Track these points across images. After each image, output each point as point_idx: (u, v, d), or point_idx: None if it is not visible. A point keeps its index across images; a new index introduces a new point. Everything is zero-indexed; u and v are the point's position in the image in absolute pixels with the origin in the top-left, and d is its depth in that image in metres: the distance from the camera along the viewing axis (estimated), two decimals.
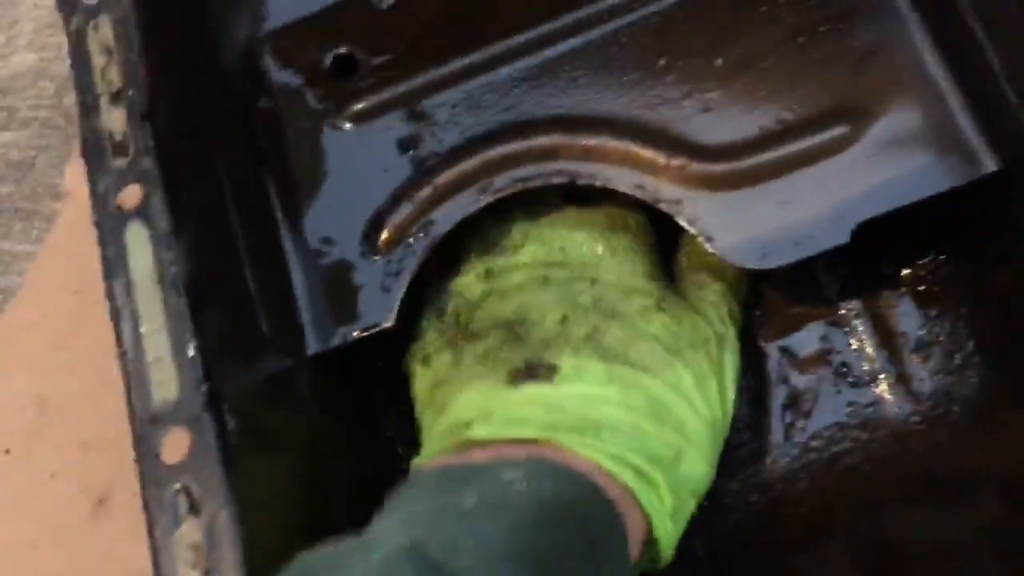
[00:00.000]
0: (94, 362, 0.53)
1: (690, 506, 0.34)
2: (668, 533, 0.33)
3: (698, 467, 0.34)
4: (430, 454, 0.34)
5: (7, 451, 0.51)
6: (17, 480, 0.50)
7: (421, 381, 0.38)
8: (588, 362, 0.33)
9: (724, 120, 0.37)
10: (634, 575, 0.33)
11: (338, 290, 0.39)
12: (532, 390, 0.33)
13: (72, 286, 0.56)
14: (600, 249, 0.38)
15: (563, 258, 0.37)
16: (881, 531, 0.36)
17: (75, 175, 0.62)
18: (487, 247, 0.39)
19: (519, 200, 0.39)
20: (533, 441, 0.32)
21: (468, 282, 0.38)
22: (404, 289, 0.38)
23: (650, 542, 0.33)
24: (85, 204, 0.60)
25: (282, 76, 0.42)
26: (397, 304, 0.38)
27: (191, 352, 0.31)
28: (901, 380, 0.40)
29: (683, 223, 0.37)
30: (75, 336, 0.54)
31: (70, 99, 0.67)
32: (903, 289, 0.41)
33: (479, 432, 0.33)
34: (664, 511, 0.32)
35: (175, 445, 0.30)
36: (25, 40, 0.68)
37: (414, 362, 0.39)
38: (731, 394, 0.36)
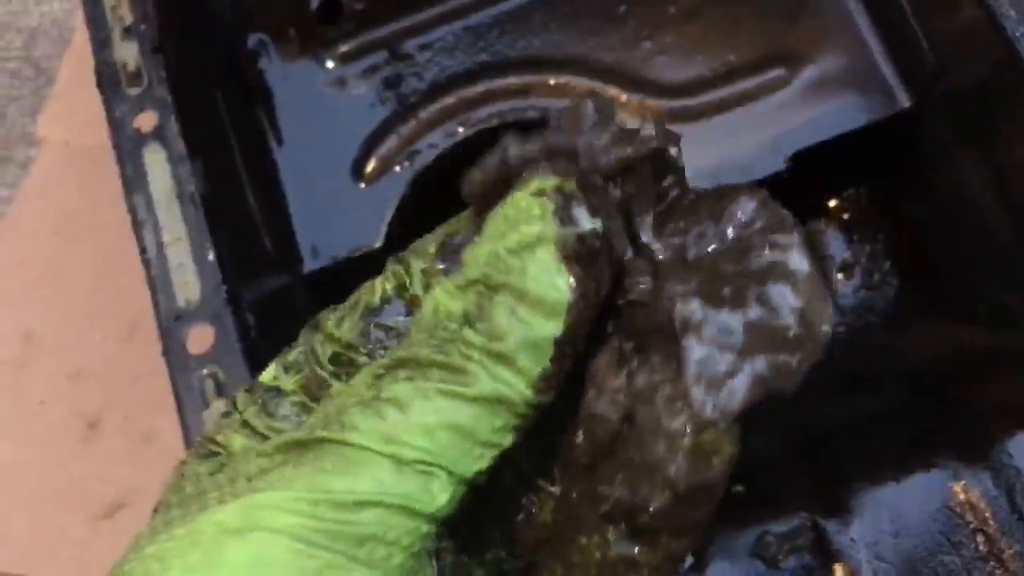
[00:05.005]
0: (77, 298, 0.56)
1: None
2: None
3: None
4: None
5: None
6: (6, 408, 0.52)
7: None
8: None
9: (677, 61, 0.42)
10: None
11: (330, 215, 0.43)
12: None
13: (51, 227, 0.58)
14: None
15: None
16: (805, 416, 0.41)
17: (48, 123, 0.64)
18: None
19: None
20: None
21: None
22: (392, 213, 0.42)
23: None
24: (59, 150, 0.63)
25: (270, 19, 0.46)
26: (385, 227, 0.42)
27: (211, 258, 0.34)
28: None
29: None
30: (57, 274, 0.56)
31: (39, 51, 0.69)
32: (830, 218, 0.47)
33: None
34: None
35: (199, 339, 0.34)
36: None
37: None
38: None
